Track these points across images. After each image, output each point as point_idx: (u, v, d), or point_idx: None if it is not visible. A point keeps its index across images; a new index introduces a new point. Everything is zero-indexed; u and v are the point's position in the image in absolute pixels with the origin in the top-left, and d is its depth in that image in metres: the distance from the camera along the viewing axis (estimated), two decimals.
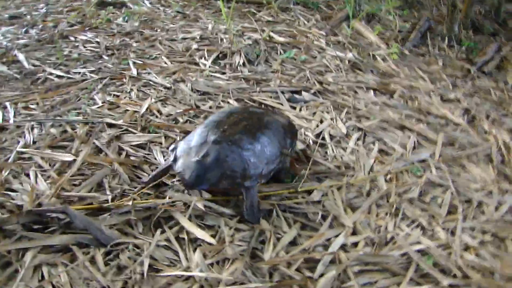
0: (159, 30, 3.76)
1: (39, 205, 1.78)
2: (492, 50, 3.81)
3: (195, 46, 3.40)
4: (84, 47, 3.39)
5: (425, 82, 3.17)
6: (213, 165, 1.62)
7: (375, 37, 3.79)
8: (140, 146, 2.22)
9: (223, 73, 3.01)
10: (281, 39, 3.62)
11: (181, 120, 2.44)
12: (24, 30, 3.67)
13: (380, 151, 2.28)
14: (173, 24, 3.91)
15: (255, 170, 1.67)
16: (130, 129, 2.34)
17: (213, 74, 2.99)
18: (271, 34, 3.70)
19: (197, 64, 3.15)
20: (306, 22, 4.11)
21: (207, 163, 1.62)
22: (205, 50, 3.31)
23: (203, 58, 3.21)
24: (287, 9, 4.38)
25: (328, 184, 1.97)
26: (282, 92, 2.74)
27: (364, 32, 3.92)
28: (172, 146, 1.85)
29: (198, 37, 3.56)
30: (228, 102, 2.62)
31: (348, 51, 3.50)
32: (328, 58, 3.33)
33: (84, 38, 3.55)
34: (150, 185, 1.85)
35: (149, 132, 2.32)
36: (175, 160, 1.72)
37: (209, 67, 3.08)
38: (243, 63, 3.11)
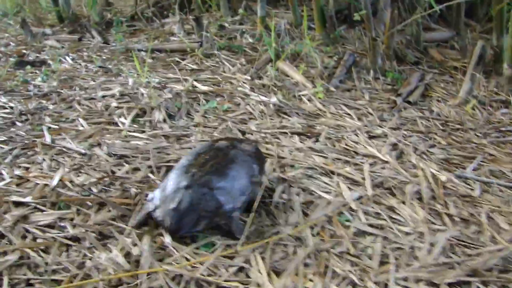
0: (78, 89, 3.58)
1: None
2: (416, 79, 3.80)
3: (114, 104, 3.23)
4: None
5: (352, 120, 3.10)
6: (188, 210, 1.72)
7: (300, 77, 3.72)
8: (50, 226, 2.00)
9: (143, 132, 2.84)
10: (205, 88, 3.49)
11: (95, 190, 2.23)
12: None
13: (306, 202, 2.13)
14: (94, 81, 3.74)
15: (228, 205, 1.77)
16: (39, 206, 2.12)
17: (131, 133, 2.82)
18: (195, 83, 3.58)
19: (115, 124, 2.97)
20: (231, 67, 4.01)
21: (182, 209, 1.72)
22: (124, 107, 3.13)
23: (122, 116, 3.03)
24: (212, 55, 4.28)
25: (251, 247, 1.81)
26: None
27: (290, 72, 3.85)
28: (149, 196, 1.91)
29: (118, 94, 3.39)
30: (148, 166, 2.42)
31: (273, 94, 3.40)
32: (252, 104, 3.22)
33: None
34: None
35: (59, 209, 2.10)
36: (154, 209, 1.80)
37: (128, 126, 2.91)
38: (163, 119, 2.96)
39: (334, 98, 3.46)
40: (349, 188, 2.26)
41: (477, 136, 3.07)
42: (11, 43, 5.27)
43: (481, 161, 2.69)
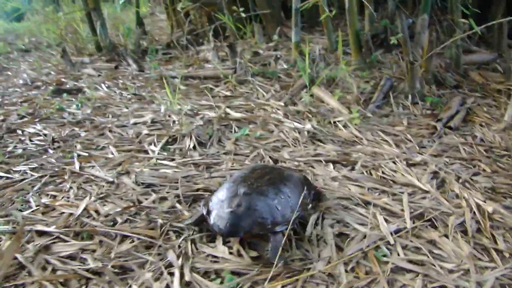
0: (110, 116, 3.55)
1: None
2: (457, 103, 3.62)
3: (145, 131, 3.18)
4: (31, 140, 3.16)
5: (390, 147, 2.94)
6: (245, 214, 1.76)
7: (336, 103, 3.59)
8: (70, 257, 1.93)
9: (172, 160, 2.77)
10: (237, 115, 3.40)
11: (119, 220, 2.15)
12: None
13: (340, 234, 1.99)
14: (127, 108, 3.71)
15: (282, 216, 1.82)
16: (62, 236, 2.05)
17: (161, 161, 2.74)
18: (227, 110, 3.49)
19: (145, 151, 2.90)
20: (264, 93, 3.92)
21: (240, 213, 1.77)
22: (155, 135, 3.07)
23: (152, 144, 2.97)
24: (246, 81, 4.20)
25: (280, 284, 1.67)
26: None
27: (325, 98, 3.72)
28: (202, 202, 2.02)
29: (149, 121, 3.35)
30: (175, 195, 2.33)
31: (307, 121, 3.28)
32: (286, 131, 3.10)
33: (32, 130, 3.32)
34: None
35: (82, 239, 2.02)
36: (208, 213, 1.86)
37: (158, 154, 2.83)
38: (194, 147, 2.88)
39: (371, 124, 3.31)
40: (387, 220, 2.10)
41: None
42: (52, 72, 5.35)
43: None
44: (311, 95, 3.74)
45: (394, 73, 4.18)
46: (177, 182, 2.44)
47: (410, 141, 3.08)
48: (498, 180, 2.58)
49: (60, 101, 4.02)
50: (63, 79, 4.89)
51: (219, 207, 1.83)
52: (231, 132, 3.11)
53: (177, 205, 2.27)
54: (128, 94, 4.14)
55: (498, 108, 3.66)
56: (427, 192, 2.37)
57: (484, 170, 2.70)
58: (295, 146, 2.89)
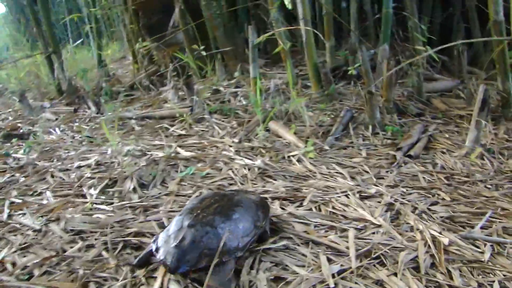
0: (55, 160, 3.32)
1: None
2: (418, 131, 3.45)
3: (88, 174, 2.94)
4: None
5: (344, 179, 2.73)
6: (190, 247, 1.68)
7: (292, 137, 3.40)
8: None
9: (110, 203, 2.53)
10: (187, 153, 3.19)
11: (37, 273, 1.90)
12: None
13: (276, 279, 1.75)
14: (75, 151, 3.46)
15: (231, 244, 1.72)
16: None
17: (97, 206, 2.50)
18: (178, 149, 3.28)
19: (83, 195, 2.67)
20: (220, 131, 3.72)
21: (185, 247, 1.68)
22: (96, 178, 2.84)
23: (92, 188, 2.73)
24: (202, 119, 4.00)
25: None
26: (169, 218, 2.24)
27: (281, 133, 3.53)
28: (153, 238, 1.90)
29: (94, 164, 3.11)
30: (103, 242, 2.09)
31: (260, 157, 3.07)
32: (235, 169, 2.89)
33: None
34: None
35: None
36: (157, 249, 1.76)
37: (95, 198, 2.60)
38: (134, 189, 2.64)
39: (327, 157, 3.11)
40: (330, 260, 1.87)
41: (487, 188, 2.67)
42: (9, 117, 5.13)
43: (491, 217, 2.27)
44: (267, 130, 3.55)
45: (354, 104, 4.02)
46: (108, 228, 2.20)
47: (367, 172, 2.88)
48: (458, 209, 2.38)
49: (8, 147, 3.79)
50: (19, 124, 4.67)
51: (166, 242, 1.74)
52: (177, 172, 2.87)
53: (104, 252, 2.02)
54: (80, 137, 3.91)
55: (459, 134, 3.49)
56: (379, 226, 2.15)
57: (443, 199, 2.51)
58: (242, 184, 2.68)
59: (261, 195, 2.27)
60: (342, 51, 4.89)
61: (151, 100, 5.07)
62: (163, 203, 2.46)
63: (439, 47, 3.08)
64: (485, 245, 2.02)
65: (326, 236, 2.05)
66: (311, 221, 2.21)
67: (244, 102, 4.33)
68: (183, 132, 3.81)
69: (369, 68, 3.90)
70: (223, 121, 3.95)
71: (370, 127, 3.61)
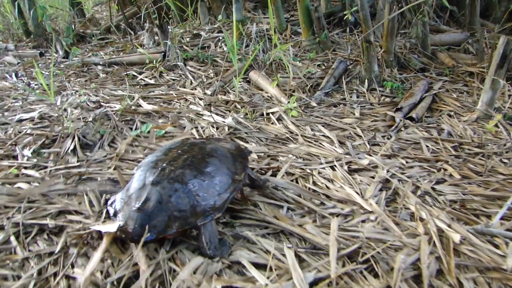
0: None
1: None
2: (421, 89, 2.89)
3: (28, 130, 2.39)
4: None
5: (331, 145, 2.19)
6: (156, 210, 1.34)
7: (275, 90, 2.84)
8: None
9: (42, 168, 1.99)
10: (149, 107, 2.63)
11: None
12: None
13: (246, 280, 1.25)
14: (22, 101, 2.90)
15: (206, 204, 1.39)
16: None
17: (26, 171, 1.97)
18: (140, 101, 2.72)
19: (15, 157, 2.12)
20: (193, 80, 3.15)
21: (149, 209, 1.34)
22: (34, 134, 2.29)
23: (27, 147, 2.19)
24: (176, 67, 3.42)
25: None
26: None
27: (263, 85, 2.97)
28: (110, 199, 1.51)
29: (37, 117, 2.55)
30: (15, 224, 1.58)
31: (233, 113, 2.52)
32: (201, 127, 2.35)
33: None
34: None
35: None
36: (115, 214, 1.41)
37: (27, 159, 2.06)
38: (73, 150, 2.10)
39: (313, 116, 2.56)
40: (303, 262, 1.35)
41: (503, 163, 2.15)
42: None
43: None
44: (247, 81, 2.99)
45: (349, 55, 3.44)
46: (32, 202, 1.68)
47: (360, 136, 2.34)
48: (470, 190, 1.86)
49: None
50: None
51: (126, 204, 1.40)
52: (132, 129, 2.33)
53: (12, 239, 1.50)
54: (35, 84, 3.34)
55: (470, 94, 2.94)
56: (370, 212, 1.63)
57: (451, 175, 1.98)
58: None
59: (238, 144, 1.81)
60: None
61: (126, 45, 4.46)
62: (103, 170, 1.92)
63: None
64: (506, 244, 1.50)
65: (301, 225, 1.52)
66: (284, 201, 1.69)
67: (225, 49, 3.74)
68: (151, 81, 3.25)
69: (368, 14, 3.30)
70: (199, 69, 3.38)
71: (366, 81, 3.06)
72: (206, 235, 1.37)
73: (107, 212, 1.52)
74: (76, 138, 2.17)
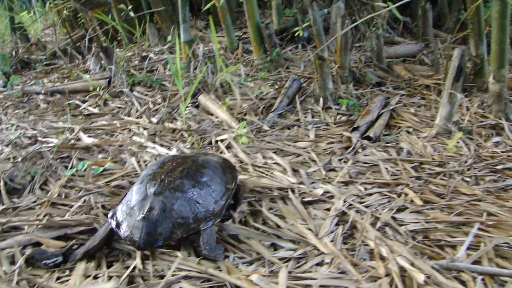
0: None
1: None
2: (378, 105, 2.77)
3: None
4: None
5: (284, 174, 2.03)
6: (161, 218, 1.44)
7: (224, 114, 2.67)
8: None
9: None
10: (89, 140, 2.42)
11: None
12: None
13: None
14: None
15: (206, 210, 1.50)
16: None
17: None
18: (80, 134, 2.50)
19: None
20: (139, 107, 2.94)
21: (154, 218, 1.43)
22: None
23: None
24: (122, 93, 3.21)
25: None
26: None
27: (213, 109, 2.79)
28: (110, 213, 1.55)
29: None
30: None
31: (180, 143, 2.33)
32: (144, 161, 2.15)
33: None
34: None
35: None
36: (118, 225, 1.47)
37: None
38: None
39: (266, 141, 2.40)
40: None
41: (466, 181, 2.02)
42: None
43: (478, 230, 1.61)
44: (197, 106, 2.81)
45: (303, 72, 3.30)
46: None
47: (315, 162, 2.18)
48: (432, 217, 1.71)
49: None
50: None
51: (129, 216, 1.47)
52: (67, 168, 2.12)
53: None
54: None
55: (427, 108, 2.84)
56: (323, 254, 1.46)
57: (412, 201, 1.84)
58: None
59: (224, 157, 1.91)
60: (291, 10, 4.13)
61: (73, 70, 4.23)
62: (28, 220, 1.70)
63: (401, 2, 2.36)
64: (474, 280, 1.35)
65: (247, 276, 1.34)
66: (229, 247, 1.51)
67: None
68: (95, 110, 3.04)
69: (322, 29, 3.18)
70: (146, 94, 3.18)
71: (321, 100, 2.92)
72: (204, 237, 1.46)
73: (107, 224, 1.55)
74: (1, 182, 1.94)
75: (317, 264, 1.43)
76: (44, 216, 1.73)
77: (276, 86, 3.14)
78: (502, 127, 2.54)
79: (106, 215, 1.67)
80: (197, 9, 4.85)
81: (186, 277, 1.35)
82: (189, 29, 3.54)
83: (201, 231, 1.48)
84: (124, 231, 1.45)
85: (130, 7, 4.10)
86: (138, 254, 1.44)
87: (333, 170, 2.14)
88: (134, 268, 1.40)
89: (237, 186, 1.73)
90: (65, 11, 5.03)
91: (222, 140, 2.38)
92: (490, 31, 2.57)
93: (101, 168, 2.08)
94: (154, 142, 2.36)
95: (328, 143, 2.43)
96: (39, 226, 1.63)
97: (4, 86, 3.90)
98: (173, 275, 1.35)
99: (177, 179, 1.54)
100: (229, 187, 1.64)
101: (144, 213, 1.44)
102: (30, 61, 4.83)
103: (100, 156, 2.26)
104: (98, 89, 3.18)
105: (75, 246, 1.52)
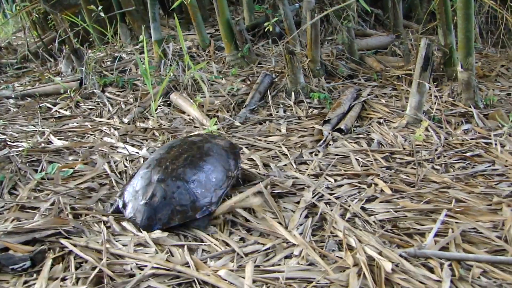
0: None
1: None
2: (349, 97, 2.78)
3: None
4: None
5: (255, 168, 2.03)
6: (161, 204, 1.56)
7: (196, 112, 2.66)
8: None
9: None
10: (60, 143, 2.39)
11: None
12: None
13: None
14: None
15: (204, 199, 1.60)
16: None
17: None
18: (51, 137, 2.47)
19: None
20: (111, 108, 2.92)
21: (155, 204, 1.56)
22: None
23: None
24: (93, 94, 3.17)
25: None
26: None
27: (184, 107, 2.78)
28: (118, 192, 1.73)
29: None
30: None
31: (150, 142, 2.32)
32: (115, 161, 2.13)
33: None
34: None
35: None
36: (124, 206, 1.63)
37: None
38: None
39: (237, 137, 2.39)
40: None
41: (436, 170, 2.04)
42: None
43: (446, 216, 1.62)
44: (169, 105, 2.80)
45: (274, 67, 3.30)
46: None
47: (286, 155, 2.18)
48: (402, 206, 1.73)
49: None
50: None
51: (134, 199, 1.61)
52: (37, 171, 2.09)
53: None
54: None
55: (398, 98, 2.86)
56: (294, 245, 1.47)
57: (382, 190, 1.86)
58: (112, 186, 1.92)
59: (230, 140, 1.99)
60: (261, 6, 4.12)
61: (41, 73, 4.16)
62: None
63: None
64: (441, 266, 1.37)
65: (216, 271, 1.34)
66: (195, 241, 1.50)
67: None
68: (67, 113, 3.00)
69: (293, 23, 3.20)
70: (118, 95, 3.15)
71: (293, 94, 2.93)
72: (199, 221, 1.59)
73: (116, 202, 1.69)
74: None
75: (286, 257, 1.43)
76: (12, 220, 1.70)
77: (248, 82, 3.13)
78: (472, 114, 2.57)
79: (78, 216, 1.70)
80: (170, 8, 4.81)
81: (154, 275, 1.34)
82: (159, 28, 3.52)
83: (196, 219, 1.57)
84: (128, 212, 1.59)
85: (100, 7, 4.05)
86: (105, 254, 1.43)
87: (304, 163, 2.14)
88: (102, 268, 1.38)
89: (239, 171, 1.83)
90: (34, 13, 4.96)
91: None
92: None
93: (71, 170, 2.06)
94: (125, 142, 2.34)
95: (299, 137, 2.44)
96: (5, 231, 1.60)
97: None
98: (140, 273, 1.33)
99: (180, 167, 1.63)
100: (230, 174, 1.73)
101: (147, 198, 1.56)
102: (0, 65, 4.74)
103: (70, 158, 2.23)
104: (69, 91, 3.13)
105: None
